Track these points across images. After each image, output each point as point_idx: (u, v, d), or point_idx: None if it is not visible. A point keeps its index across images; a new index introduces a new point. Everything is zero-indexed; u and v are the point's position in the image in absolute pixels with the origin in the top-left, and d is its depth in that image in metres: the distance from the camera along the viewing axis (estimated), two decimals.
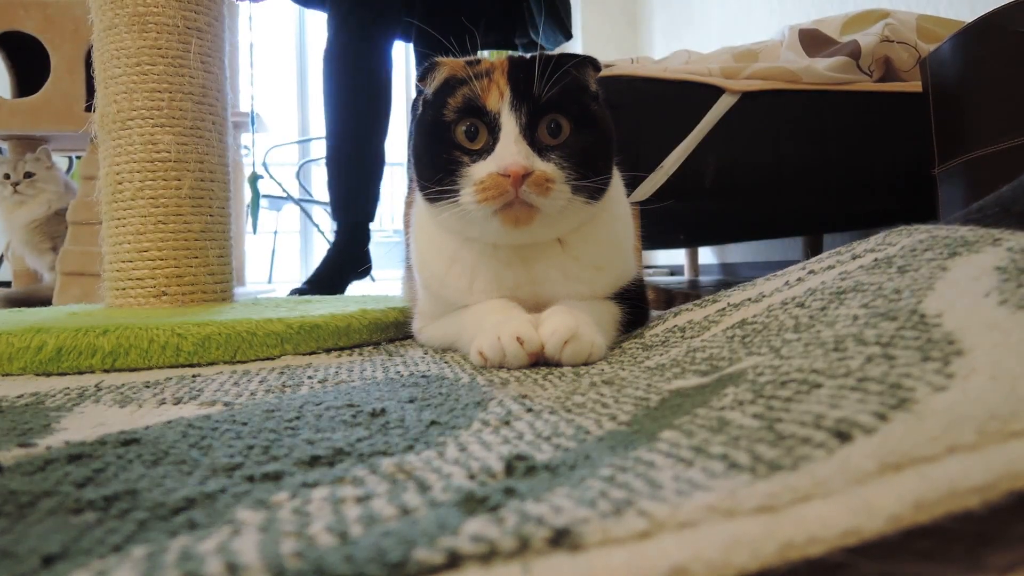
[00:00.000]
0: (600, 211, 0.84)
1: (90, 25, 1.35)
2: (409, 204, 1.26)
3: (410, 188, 1.30)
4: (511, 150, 0.74)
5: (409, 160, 1.35)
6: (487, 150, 0.75)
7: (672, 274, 3.69)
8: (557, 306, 0.81)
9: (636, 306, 0.91)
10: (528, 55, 0.82)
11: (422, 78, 0.83)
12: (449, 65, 0.82)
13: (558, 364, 0.74)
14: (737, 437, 0.35)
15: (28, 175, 2.55)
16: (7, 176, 2.53)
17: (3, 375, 0.88)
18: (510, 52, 2.30)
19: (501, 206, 0.74)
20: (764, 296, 0.71)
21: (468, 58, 0.83)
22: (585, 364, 0.74)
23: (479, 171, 0.74)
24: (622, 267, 0.90)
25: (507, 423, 0.47)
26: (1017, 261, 0.47)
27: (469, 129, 0.76)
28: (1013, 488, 0.25)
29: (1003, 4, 0.97)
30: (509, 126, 0.75)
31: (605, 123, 0.83)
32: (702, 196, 1.50)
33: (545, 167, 0.74)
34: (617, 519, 0.27)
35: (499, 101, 0.76)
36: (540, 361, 0.75)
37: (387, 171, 2.12)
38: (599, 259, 0.86)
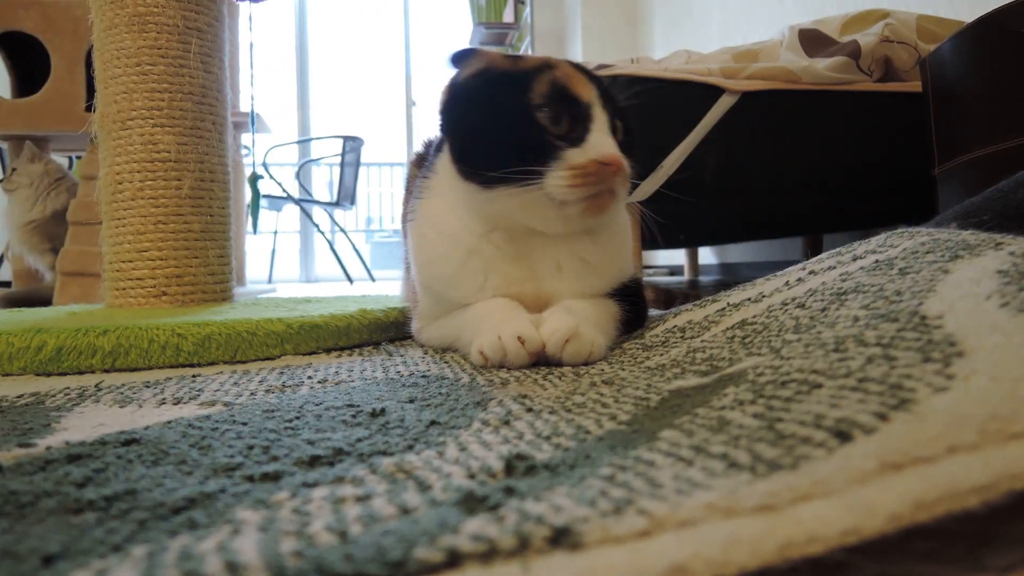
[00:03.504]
0: None
1: (90, 25, 1.35)
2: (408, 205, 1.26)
3: (407, 189, 1.29)
4: (608, 141, 0.75)
5: (409, 160, 1.34)
6: (576, 138, 0.75)
7: (672, 274, 3.69)
8: (557, 306, 0.82)
9: (635, 304, 0.92)
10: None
11: (459, 62, 0.83)
12: (487, 54, 0.82)
13: (559, 363, 0.74)
14: (737, 436, 0.35)
15: (14, 171, 2.58)
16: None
17: (3, 375, 0.88)
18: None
19: (594, 194, 0.74)
20: (764, 296, 0.72)
21: (506, 54, 0.84)
22: (585, 363, 0.74)
23: (577, 157, 0.73)
24: (621, 263, 0.90)
25: (507, 423, 0.47)
26: (1019, 265, 0.47)
27: (554, 114, 0.75)
28: (1013, 488, 0.25)
29: (1003, 4, 0.97)
30: (601, 119, 0.76)
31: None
32: (702, 196, 1.50)
33: (625, 160, 0.76)
34: (617, 518, 0.27)
35: (591, 93, 0.77)
36: (541, 361, 0.75)
37: (387, 171, 2.11)
38: (600, 255, 0.87)
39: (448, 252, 0.86)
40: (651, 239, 0.97)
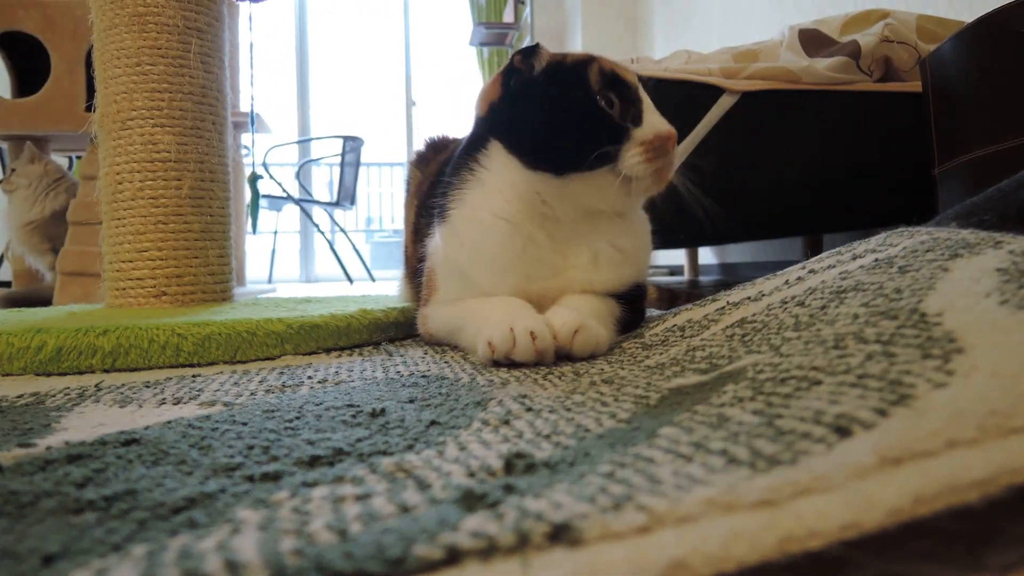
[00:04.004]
0: None
1: (90, 25, 1.35)
2: (410, 207, 1.25)
3: (408, 189, 1.29)
4: (661, 117, 0.83)
5: (409, 160, 1.34)
6: (633, 118, 0.82)
7: (672, 274, 3.69)
8: (560, 305, 0.84)
9: (634, 307, 0.93)
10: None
11: (529, 57, 0.87)
12: (546, 50, 0.87)
13: (567, 355, 0.77)
14: (736, 433, 0.35)
15: (13, 171, 2.58)
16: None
17: (3, 375, 0.88)
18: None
19: (659, 167, 0.81)
20: (763, 295, 0.72)
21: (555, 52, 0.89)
22: (592, 356, 0.77)
23: (644, 134, 0.80)
24: (643, 261, 0.95)
25: (507, 422, 0.47)
26: (1018, 263, 0.47)
27: (608, 101, 0.82)
28: (1012, 483, 0.25)
29: (1003, 4, 0.97)
30: (647, 100, 0.85)
31: None
32: (702, 196, 1.50)
33: None
34: (616, 514, 0.27)
35: (634, 77, 0.86)
36: (543, 361, 0.75)
37: (387, 171, 2.11)
38: (630, 245, 0.91)
39: (504, 239, 0.87)
40: (667, 237, 1.00)
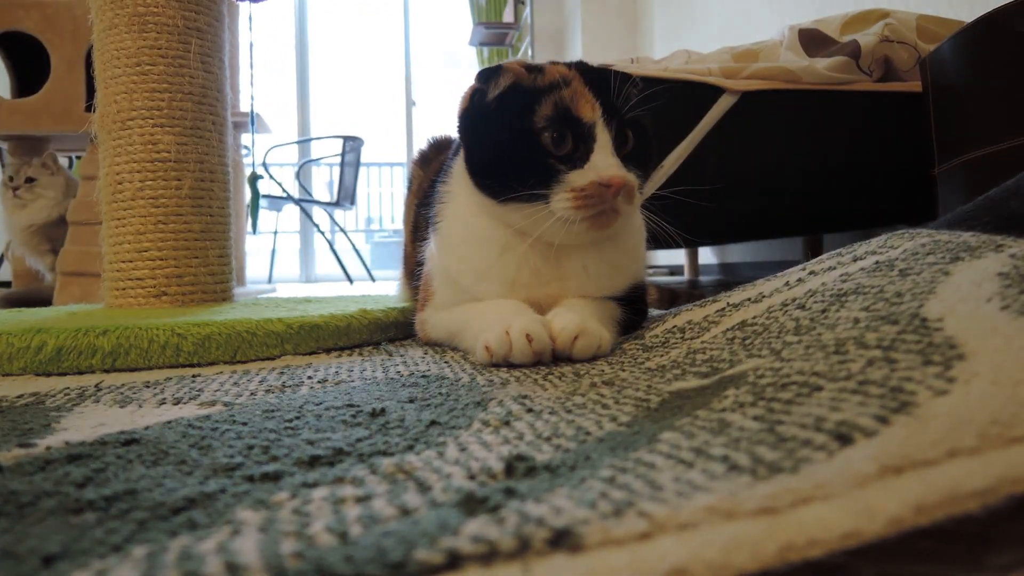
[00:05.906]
0: None
1: (90, 25, 1.35)
2: (410, 206, 1.26)
3: (409, 188, 1.29)
4: (610, 162, 0.77)
5: (411, 160, 1.34)
6: (579, 159, 0.77)
7: (672, 274, 3.69)
8: (561, 307, 0.84)
9: (636, 307, 0.93)
10: (595, 67, 0.85)
11: (486, 81, 0.84)
12: (514, 71, 0.83)
13: (568, 359, 0.76)
14: (738, 439, 0.35)
15: (29, 180, 2.55)
16: (11, 179, 2.54)
17: (3, 375, 0.88)
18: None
19: (596, 213, 0.76)
20: (764, 297, 0.72)
21: (527, 63, 0.85)
22: (594, 357, 0.76)
23: (579, 179, 0.76)
24: (639, 263, 0.94)
25: (507, 423, 0.47)
26: (1020, 267, 0.47)
27: (557, 136, 0.78)
28: (1013, 493, 0.25)
29: (1003, 4, 0.97)
30: (604, 138, 0.78)
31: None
32: (701, 196, 1.50)
33: (630, 176, 0.77)
34: (617, 520, 0.27)
35: (593, 113, 0.79)
36: (543, 360, 0.75)
37: (387, 171, 2.11)
38: (620, 256, 0.89)
39: (483, 249, 0.87)
40: (658, 239, 0.99)
